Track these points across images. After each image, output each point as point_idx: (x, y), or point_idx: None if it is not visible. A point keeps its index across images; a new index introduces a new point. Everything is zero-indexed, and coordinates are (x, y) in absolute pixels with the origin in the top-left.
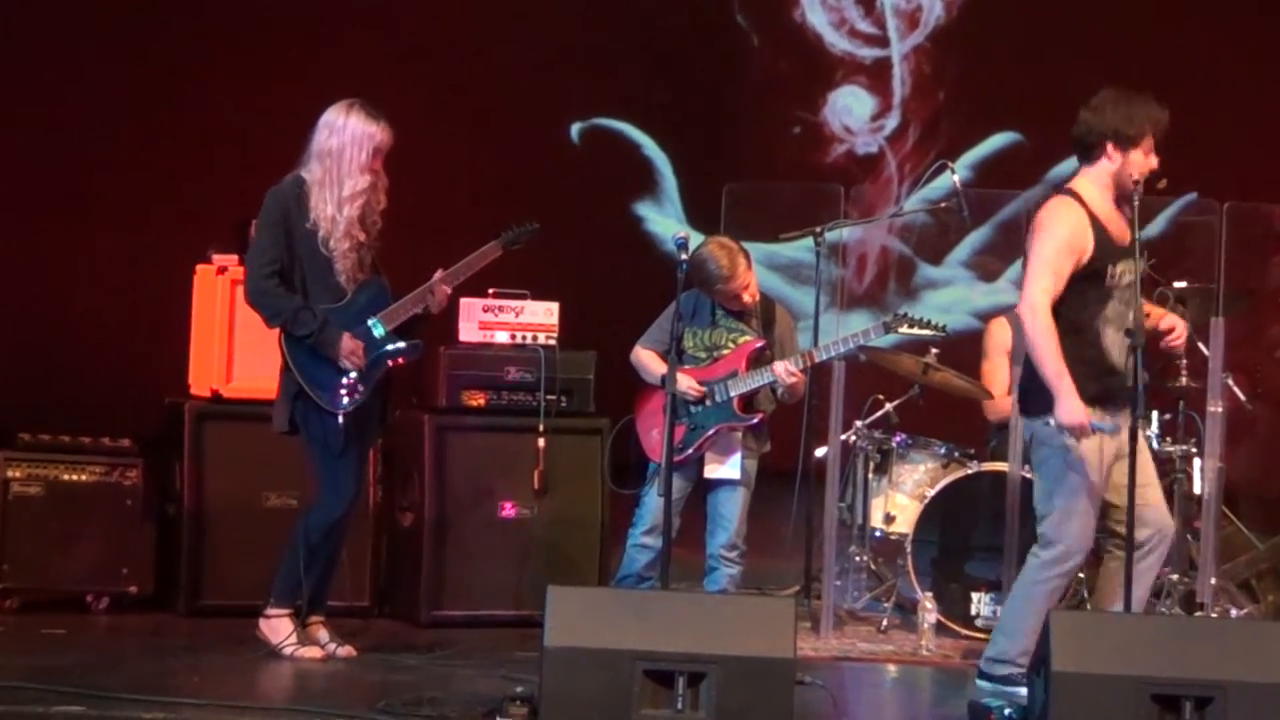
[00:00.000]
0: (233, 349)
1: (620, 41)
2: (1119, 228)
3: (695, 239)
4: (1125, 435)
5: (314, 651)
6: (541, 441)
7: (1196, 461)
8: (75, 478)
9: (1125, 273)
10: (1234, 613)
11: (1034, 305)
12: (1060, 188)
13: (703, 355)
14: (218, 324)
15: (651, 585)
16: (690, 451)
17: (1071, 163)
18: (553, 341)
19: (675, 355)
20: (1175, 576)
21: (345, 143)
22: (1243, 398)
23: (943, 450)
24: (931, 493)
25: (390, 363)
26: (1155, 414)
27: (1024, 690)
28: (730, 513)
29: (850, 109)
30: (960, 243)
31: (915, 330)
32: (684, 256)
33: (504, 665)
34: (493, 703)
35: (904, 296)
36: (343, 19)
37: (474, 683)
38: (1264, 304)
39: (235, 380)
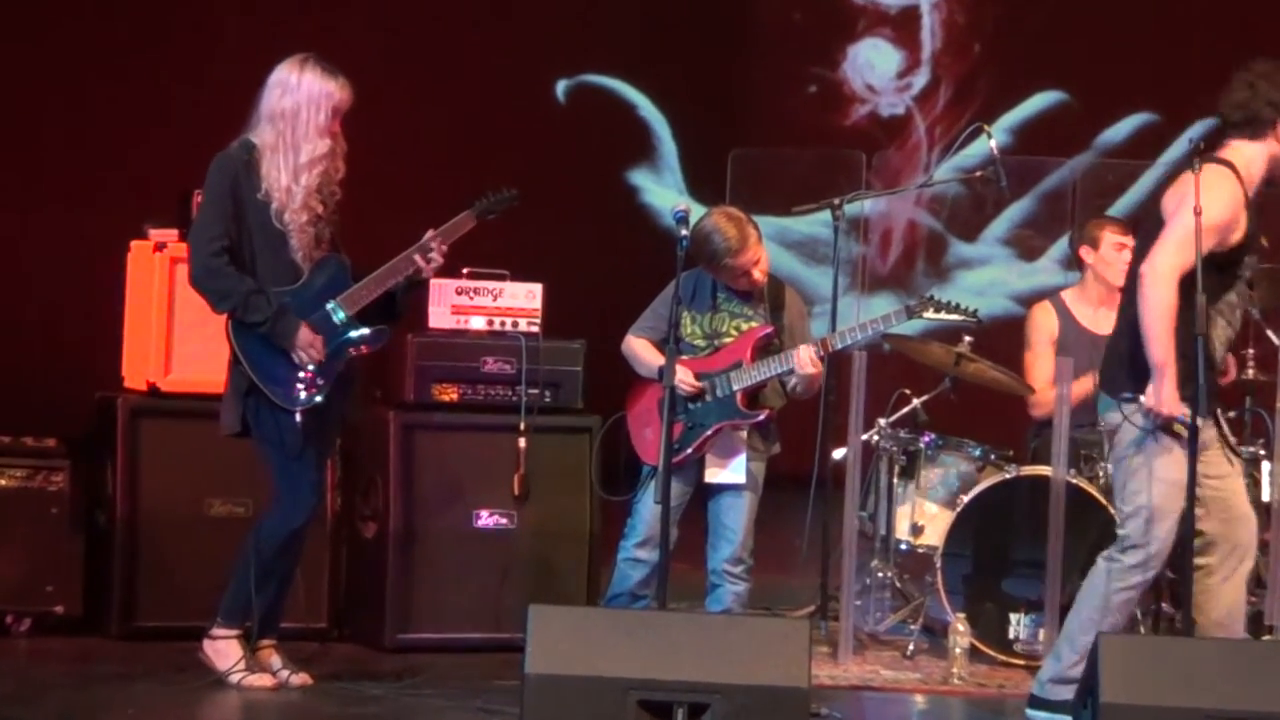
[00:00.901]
0: (172, 337)
1: None
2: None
3: (697, 212)
4: (1215, 433)
5: (265, 679)
6: (522, 442)
7: (1265, 465)
8: None
9: (1250, 265)
10: None
11: (1161, 276)
12: (1211, 156)
13: (702, 343)
14: (155, 308)
15: (646, 604)
16: (688, 452)
17: (1124, 126)
18: (535, 328)
19: (674, 343)
20: None
21: (300, 103)
22: None
23: (977, 452)
24: (965, 500)
25: (352, 351)
26: (1219, 411)
27: None
28: (735, 523)
29: (873, 65)
30: (998, 217)
31: (944, 315)
32: (684, 232)
33: (480, 695)
34: None
35: (934, 278)
36: None
37: (445, 715)
38: None
39: (174, 372)
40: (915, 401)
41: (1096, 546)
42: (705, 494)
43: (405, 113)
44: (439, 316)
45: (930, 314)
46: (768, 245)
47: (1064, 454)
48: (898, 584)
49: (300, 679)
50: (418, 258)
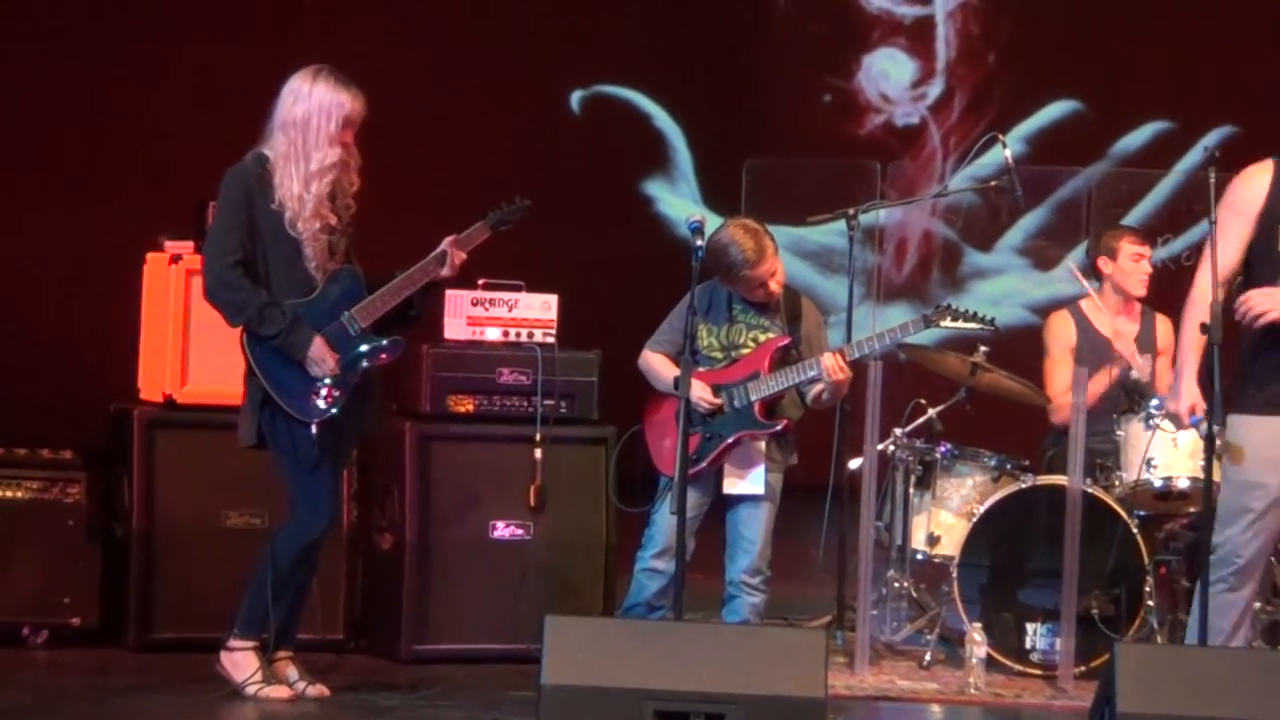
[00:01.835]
0: (188, 348)
1: None
2: None
3: (712, 223)
4: None
5: (281, 691)
6: (538, 453)
7: None
8: (9, 494)
9: None
10: None
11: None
12: None
13: (719, 355)
14: (171, 320)
15: (663, 615)
16: (705, 463)
17: (1139, 135)
18: (551, 339)
19: (689, 354)
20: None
21: (311, 111)
22: None
23: (993, 462)
24: (981, 510)
25: (368, 363)
26: None
27: None
28: (753, 534)
29: (888, 75)
30: (1013, 226)
31: (960, 324)
32: (700, 242)
33: (496, 706)
34: None
35: (949, 287)
36: None
37: None
38: None
39: (191, 384)
40: (931, 411)
41: (1113, 556)
42: (723, 505)
43: (420, 125)
44: (454, 328)
45: (948, 323)
46: (783, 255)
47: (1080, 463)
48: (914, 594)
49: (317, 690)
50: (432, 270)
